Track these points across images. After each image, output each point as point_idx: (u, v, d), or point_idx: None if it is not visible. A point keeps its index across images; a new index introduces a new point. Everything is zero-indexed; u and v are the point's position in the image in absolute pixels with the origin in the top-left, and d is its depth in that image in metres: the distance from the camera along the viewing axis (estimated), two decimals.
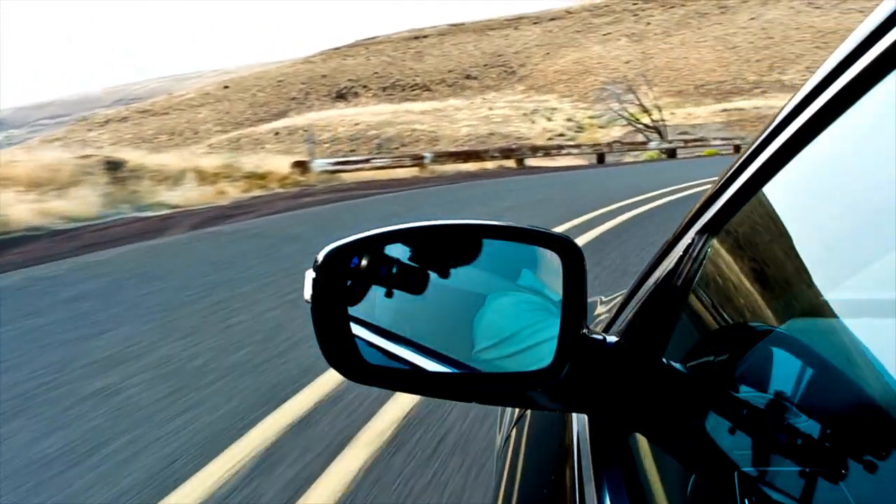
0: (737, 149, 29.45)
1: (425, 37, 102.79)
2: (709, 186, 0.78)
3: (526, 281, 0.85)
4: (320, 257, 0.72)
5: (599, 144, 29.34)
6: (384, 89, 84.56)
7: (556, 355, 0.73)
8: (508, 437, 1.20)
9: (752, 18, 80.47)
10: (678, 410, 0.72)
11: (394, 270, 0.81)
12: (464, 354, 0.80)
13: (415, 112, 64.27)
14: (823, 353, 0.60)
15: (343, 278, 0.76)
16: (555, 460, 0.92)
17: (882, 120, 0.50)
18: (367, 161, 19.53)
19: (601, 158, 26.45)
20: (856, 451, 0.48)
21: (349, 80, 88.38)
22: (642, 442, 0.74)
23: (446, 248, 0.84)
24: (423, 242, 0.83)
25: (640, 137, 32.93)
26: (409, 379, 0.81)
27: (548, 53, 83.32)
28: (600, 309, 1.38)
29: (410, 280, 0.82)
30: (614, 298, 1.31)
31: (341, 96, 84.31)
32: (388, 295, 0.82)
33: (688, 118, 48.84)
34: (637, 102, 34.93)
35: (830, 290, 0.57)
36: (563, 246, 0.75)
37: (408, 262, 0.82)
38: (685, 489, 0.65)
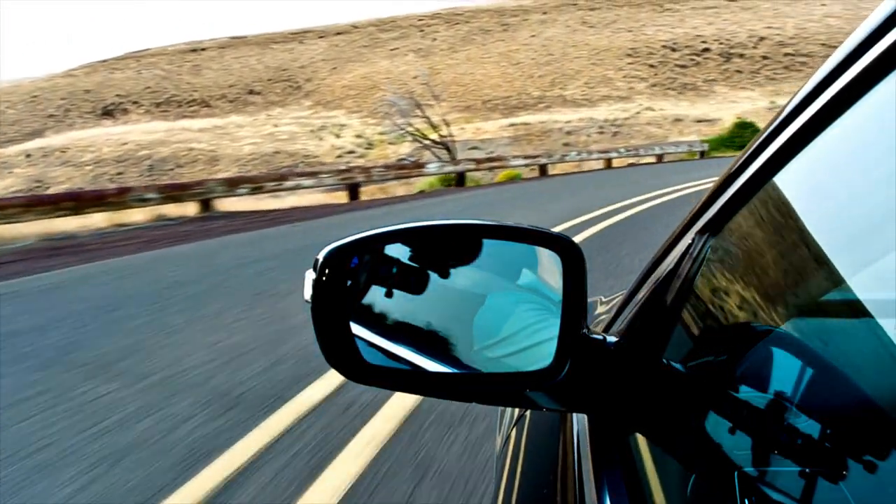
0: (542, 170, 23.39)
1: (203, 49, 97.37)
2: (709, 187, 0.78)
3: (526, 281, 0.85)
4: (320, 257, 0.72)
5: (351, 171, 18.76)
6: (158, 105, 79.89)
7: (556, 355, 0.74)
8: (508, 437, 1.20)
9: (533, 36, 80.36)
10: (678, 410, 0.73)
11: (394, 270, 0.81)
12: (464, 354, 0.80)
13: (192, 130, 61.35)
14: (823, 353, 0.60)
15: (343, 278, 0.76)
16: (555, 460, 0.92)
17: (882, 120, 0.51)
18: None
19: (354, 193, 17.36)
20: (856, 451, 0.48)
21: (117, 95, 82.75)
22: (642, 442, 0.74)
23: (446, 247, 0.84)
24: (423, 242, 0.83)
25: (427, 155, 28.49)
26: (409, 379, 0.81)
27: (335, 68, 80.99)
28: (600, 309, 1.38)
29: (410, 280, 0.82)
30: (614, 298, 1.32)
31: (108, 113, 78.39)
32: (388, 295, 0.82)
33: (477, 133, 48.16)
34: (422, 115, 31.58)
35: (830, 290, 0.57)
36: (564, 246, 0.76)
37: (408, 262, 0.82)
38: (685, 489, 0.65)
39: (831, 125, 0.57)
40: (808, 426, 0.55)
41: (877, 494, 0.46)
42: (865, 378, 0.52)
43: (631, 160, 29.05)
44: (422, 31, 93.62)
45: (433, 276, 0.82)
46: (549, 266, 0.77)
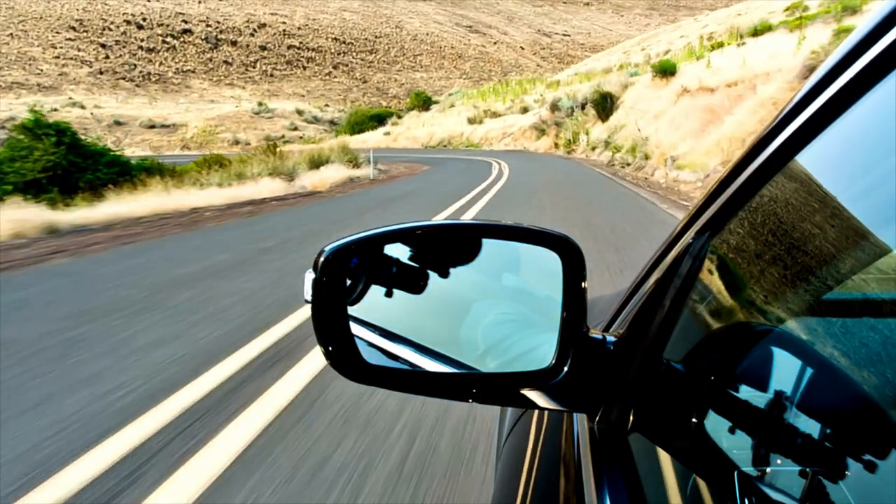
0: None
1: None
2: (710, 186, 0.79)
3: (525, 280, 0.86)
4: (320, 258, 0.73)
5: None
6: None
7: (556, 355, 0.75)
8: (508, 436, 1.20)
9: None
10: (678, 410, 0.73)
11: (394, 270, 0.82)
12: (464, 354, 0.81)
13: None
14: (823, 353, 0.60)
15: (343, 278, 0.76)
16: (555, 460, 0.93)
17: (882, 120, 0.51)
18: None
19: None
20: (856, 451, 0.49)
21: None
22: (642, 442, 0.74)
23: (446, 247, 0.85)
24: (422, 242, 0.83)
25: None
26: (409, 379, 0.81)
27: None
28: (600, 309, 1.38)
29: (410, 280, 0.82)
30: (614, 298, 1.31)
31: None
32: (388, 295, 0.82)
33: None
34: None
35: (830, 290, 0.57)
36: (563, 245, 0.77)
37: (408, 261, 0.82)
38: (685, 489, 0.66)
39: (831, 125, 0.57)
40: (808, 426, 0.55)
41: (877, 494, 0.46)
42: (865, 378, 0.52)
43: None
44: None
45: (433, 276, 0.82)
46: (549, 266, 0.77)
